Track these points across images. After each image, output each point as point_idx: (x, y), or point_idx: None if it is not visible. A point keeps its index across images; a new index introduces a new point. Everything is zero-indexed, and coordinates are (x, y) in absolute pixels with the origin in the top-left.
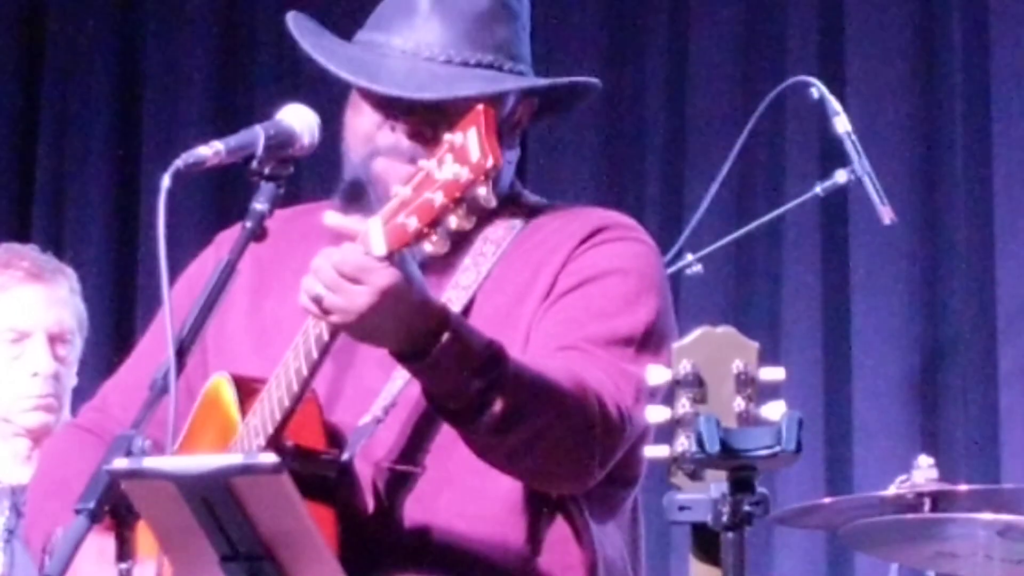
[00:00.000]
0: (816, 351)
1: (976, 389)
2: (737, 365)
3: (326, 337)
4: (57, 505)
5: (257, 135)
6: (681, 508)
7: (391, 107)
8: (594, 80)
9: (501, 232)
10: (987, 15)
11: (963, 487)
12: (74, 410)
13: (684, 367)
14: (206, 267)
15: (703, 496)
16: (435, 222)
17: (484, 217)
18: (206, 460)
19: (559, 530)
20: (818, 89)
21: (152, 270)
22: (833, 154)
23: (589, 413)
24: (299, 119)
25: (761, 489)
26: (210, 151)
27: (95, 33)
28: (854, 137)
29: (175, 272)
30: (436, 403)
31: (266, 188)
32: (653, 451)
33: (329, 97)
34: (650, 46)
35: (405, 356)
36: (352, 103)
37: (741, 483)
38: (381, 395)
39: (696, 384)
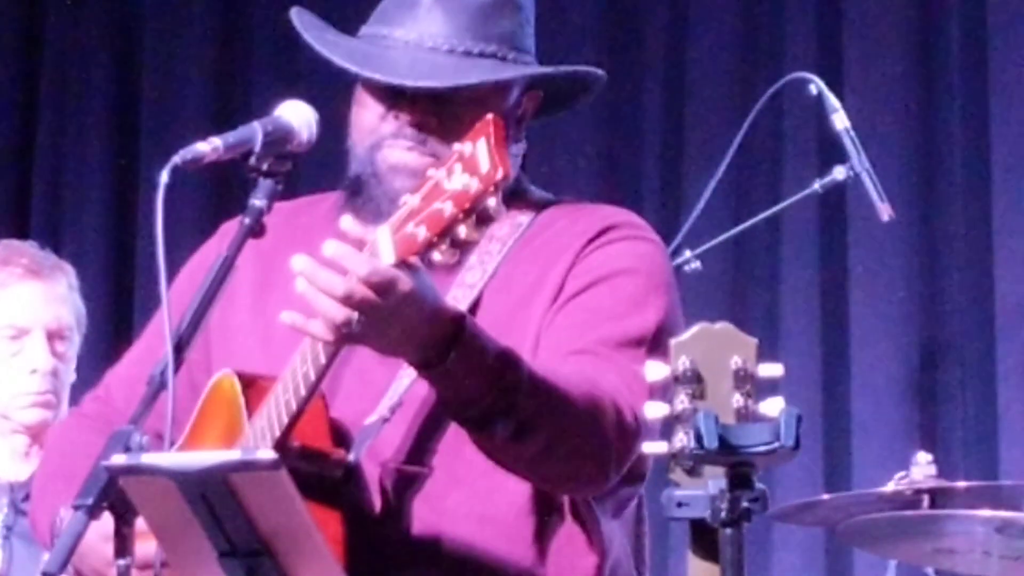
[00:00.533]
0: (814, 347)
1: (974, 386)
2: (735, 361)
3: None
4: (63, 490)
5: (255, 131)
6: (679, 504)
7: (394, 98)
8: (598, 71)
9: (507, 230)
10: (985, 12)
11: (961, 484)
12: (72, 407)
13: (682, 363)
14: (209, 258)
15: (701, 492)
16: (444, 232)
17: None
18: (204, 456)
19: (568, 530)
20: (816, 85)
21: (150, 267)
22: (831, 151)
23: (604, 419)
24: (297, 115)
25: (759, 485)
26: (208, 147)
27: (94, 29)
28: (852, 134)
29: (173, 267)
30: (452, 411)
31: (264, 184)
32: (651, 447)
33: (327, 93)
34: (649, 42)
35: (421, 364)
36: (357, 99)
37: (739, 479)
38: (387, 394)
39: (694, 380)
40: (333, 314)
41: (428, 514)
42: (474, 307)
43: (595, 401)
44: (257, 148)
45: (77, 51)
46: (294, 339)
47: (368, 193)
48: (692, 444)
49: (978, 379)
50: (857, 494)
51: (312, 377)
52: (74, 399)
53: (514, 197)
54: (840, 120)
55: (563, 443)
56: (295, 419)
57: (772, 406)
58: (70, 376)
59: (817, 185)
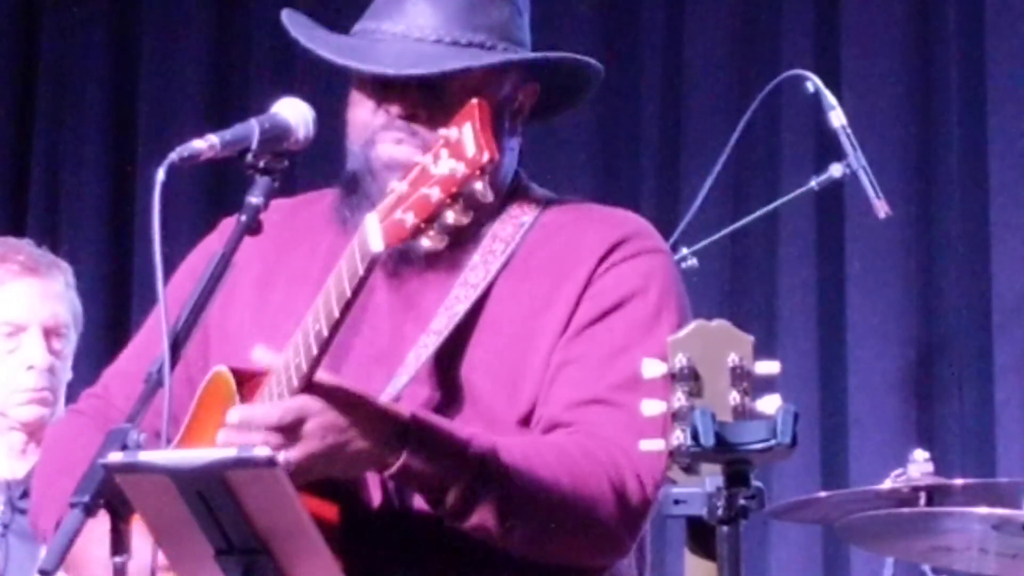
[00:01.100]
0: (811, 345)
1: (971, 383)
2: (732, 359)
3: (325, 333)
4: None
5: (252, 129)
6: (676, 502)
7: (384, 91)
8: (591, 60)
9: (510, 230)
10: (982, 9)
11: (958, 481)
12: (69, 404)
13: (679, 361)
14: (208, 254)
15: (698, 490)
16: (432, 218)
17: (491, 212)
18: (201, 454)
19: None
20: (813, 83)
21: (147, 264)
22: (828, 148)
23: (596, 493)
24: (294, 113)
25: (756, 483)
26: (205, 145)
27: (90, 27)
28: (849, 131)
29: (170, 265)
30: (432, 505)
31: (261, 182)
32: (648, 445)
33: (324, 91)
34: (646, 39)
35: (381, 469)
36: (351, 99)
37: (736, 477)
38: (386, 390)
39: (691, 378)
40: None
41: (426, 511)
42: (479, 307)
43: (587, 479)
44: (254, 145)
45: (74, 49)
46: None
47: (363, 190)
48: (689, 441)
49: (975, 376)
50: (854, 491)
51: (305, 368)
52: (71, 397)
53: (515, 195)
54: (837, 117)
55: (555, 527)
56: None
57: (769, 403)
58: (67, 373)
59: (814, 182)
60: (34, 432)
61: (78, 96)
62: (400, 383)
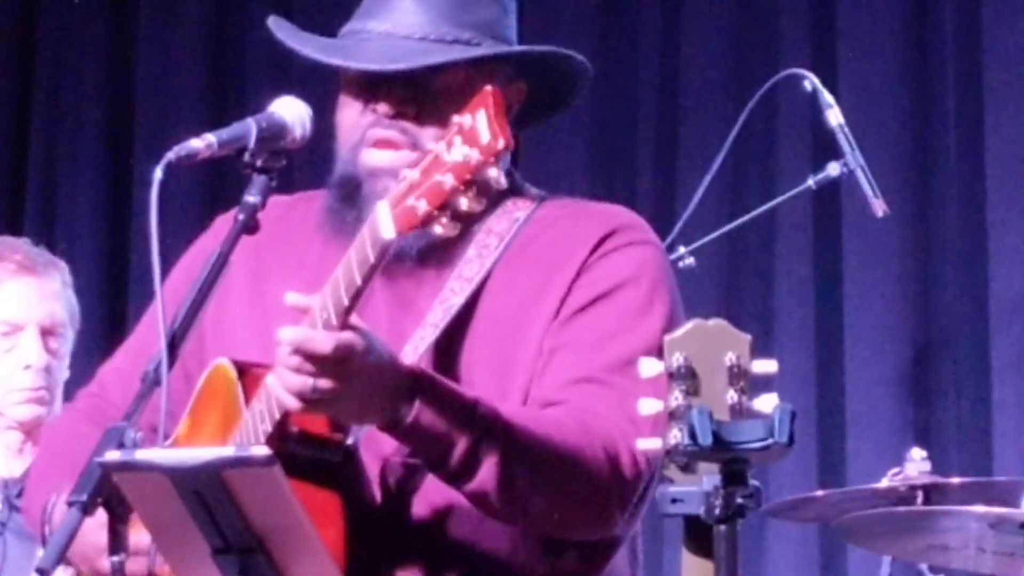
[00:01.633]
0: (809, 344)
1: (968, 382)
2: (730, 357)
3: (335, 321)
4: (57, 480)
5: (249, 127)
6: (674, 501)
7: (371, 90)
8: (575, 54)
9: (504, 224)
10: (979, 7)
11: (956, 480)
12: (65, 403)
13: (676, 359)
14: (204, 253)
15: (695, 489)
16: (445, 205)
17: (485, 208)
18: (199, 453)
19: None
20: (811, 82)
21: (144, 263)
22: (826, 147)
23: (592, 463)
24: (291, 112)
25: (753, 482)
26: (202, 144)
27: (87, 26)
28: (847, 130)
29: (167, 264)
30: (433, 465)
31: (258, 181)
32: (645, 443)
33: (321, 90)
34: (643, 38)
35: (391, 422)
36: (339, 103)
37: (733, 476)
38: None
39: (689, 376)
40: (300, 386)
41: (428, 508)
42: (473, 300)
43: (583, 446)
44: (251, 144)
45: (71, 47)
46: None
47: (353, 193)
48: (686, 440)
49: (972, 375)
50: (851, 490)
51: None
52: (68, 395)
53: (508, 192)
54: (834, 116)
55: (552, 492)
56: None
57: (766, 402)
58: (63, 373)
59: (811, 181)
60: (31, 431)
61: (75, 95)
62: None
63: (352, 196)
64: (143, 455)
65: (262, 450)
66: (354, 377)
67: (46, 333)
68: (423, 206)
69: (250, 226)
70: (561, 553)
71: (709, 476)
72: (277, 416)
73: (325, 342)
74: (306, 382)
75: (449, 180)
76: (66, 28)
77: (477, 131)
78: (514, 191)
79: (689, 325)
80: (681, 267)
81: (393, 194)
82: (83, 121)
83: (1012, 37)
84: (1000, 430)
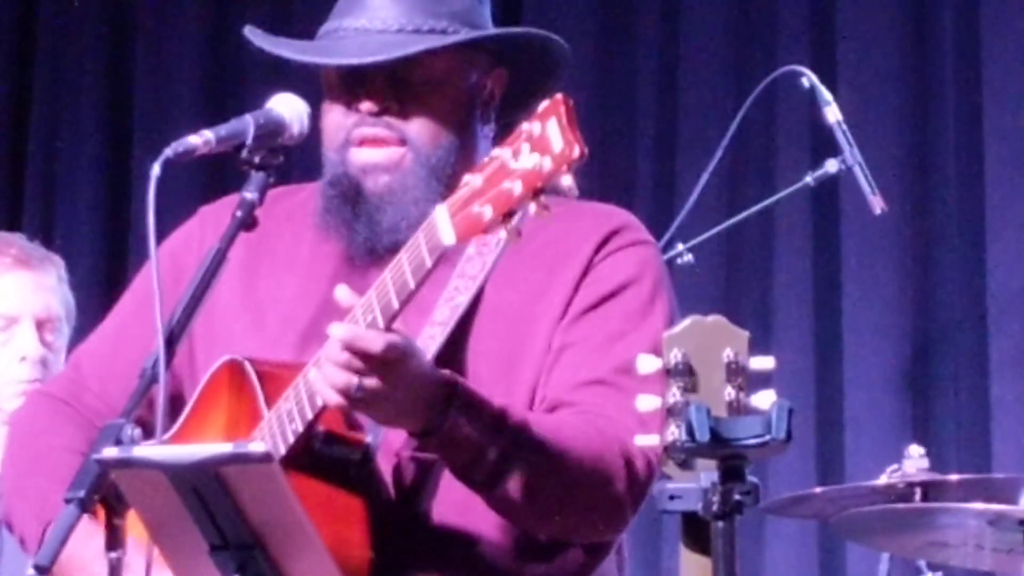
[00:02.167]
0: (807, 340)
1: (967, 378)
2: (728, 354)
3: (381, 323)
4: (40, 483)
5: (247, 124)
6: (671, 497)
7: (353, 89)
8: (552, 35)
9: None
10: (978, 4)
11: (954, 477)
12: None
13: (675, 356)
14: (190, 242)
15: (693, 485)
16: (512, 212)
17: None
18: (196, 449)
19: None
20: (809, 78)
21: (142, 259)
22: (824, 144)
23: (612, 468)
24: (289, 108)
25: (751, 478)
26: (200, 140)
27: (87, 24)
28: (845, 127)
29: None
30: (461, 473)
31: (256, 177)
32: (643, 440)
33: (319, 87)
34: (641, 36)
35: (425, 430)
36: (323, 109)
37: (731, 472)
38: None
39: (686, 373)
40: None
41: (440, 504)
42: (477, 298)
43: (601, 451)
44: (249, 141)
45: (70, 45)
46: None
47: (349, 193)
48: (684, 437)
49: (971, 372)
50: (850, 487)
51: None
52: None
53: None
54: (832, 113)
55: (572, 495)
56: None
57: (764, 399)
58: (59, 367)
59: (809, 178)
60: None
61: (74, 91)
62: None
63: (349, 194)
64: (141, 452)
65: (260, 446)
66: (399, 380)
67: (42, 326)
68: (488, 212)
69: (248, 223)
70: (565, 550)
71: (707, 473)
72: (310, 416)
73: (376, 341)
74: (351, 379)
75: (518, 187)
76: (65, 26)
77: (548, 139)
78: None
79: (687, 322)
80: (679, 264)
81: (453, 199)
82: (82, 117)
83: (1010, 34)
84: (998, 427)
